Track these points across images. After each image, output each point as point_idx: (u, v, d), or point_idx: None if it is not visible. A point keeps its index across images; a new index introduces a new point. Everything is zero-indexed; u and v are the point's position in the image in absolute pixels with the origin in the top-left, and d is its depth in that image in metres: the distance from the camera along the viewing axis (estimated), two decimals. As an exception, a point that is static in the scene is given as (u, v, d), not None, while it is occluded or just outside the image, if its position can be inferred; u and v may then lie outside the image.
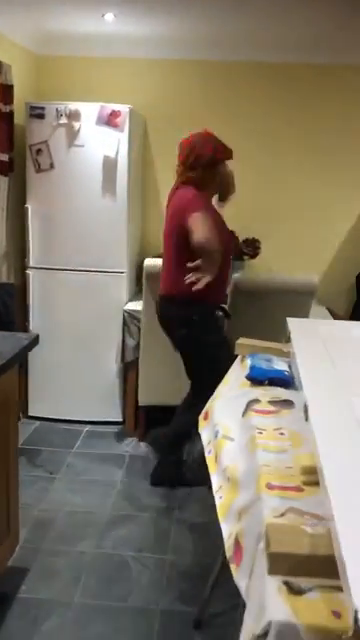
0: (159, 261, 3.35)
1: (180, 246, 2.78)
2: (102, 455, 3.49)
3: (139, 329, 3.52)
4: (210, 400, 2.11)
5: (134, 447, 3.61)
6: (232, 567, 1.34)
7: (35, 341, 2.38)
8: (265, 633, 0.94)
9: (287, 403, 1.78)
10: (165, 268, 2.96)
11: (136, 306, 3.60)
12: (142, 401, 3.61)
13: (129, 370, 3.70)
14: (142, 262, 3.37)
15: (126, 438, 3.69)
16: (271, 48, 3.76)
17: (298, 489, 1.30)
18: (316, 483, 1.30)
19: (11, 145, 3.56)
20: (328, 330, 2.34)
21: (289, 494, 1.28)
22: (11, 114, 3.53)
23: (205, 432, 1.98)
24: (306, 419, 1.52)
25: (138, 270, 3.82)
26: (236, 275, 3.28)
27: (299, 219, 4.10)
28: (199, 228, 2.62)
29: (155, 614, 2.29)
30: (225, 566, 2.23)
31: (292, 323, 2.36)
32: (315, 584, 1.00)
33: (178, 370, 3.09)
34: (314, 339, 2.16)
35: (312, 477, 1.32)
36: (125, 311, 3.64)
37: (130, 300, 3.74)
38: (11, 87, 3.50)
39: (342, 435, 1.36)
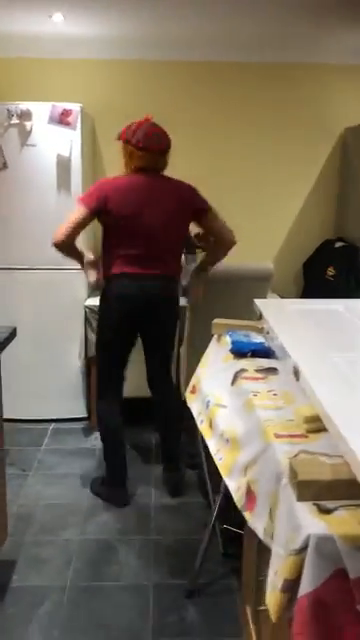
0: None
1: (185, 232, 3.01)
2: (72, 450, 3.52)
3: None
4: (194, 376, 2.22)
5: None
6: (246, 514, 1.45)
7: (13, 334, 2.42)
8: (303, 547, 1.06)
9: (272, 370, 1.91)
10: (168, 251, 2.94)
11: (96, 302, 3.64)
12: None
13: (92, 365, 3.75)
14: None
15: (93, 432, 3.73)
16: (213, 46, 3.92)
17: (303, 436, 1.43)
18: (318, 430, 1.44)
19: None
20: (294, 307, 2.49)
21: (297, 440, 1.41)
22: None
23: (195, 404, 2.09)
24: (297, 379, 1.65)
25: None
26: (193, 264, 3.40)
27: (249, 209, 4.28)
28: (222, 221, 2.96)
29: (148, 589, 2.37)
30: (210, 540, 2.35)
31: (260, 303, 2.50)
32: (340, 504, 1.12)
33: (138, 361, 3.14)
34: (284, 314, 2.32)
35: (314, 425, 1.45)
36: (86, 307, 3.70)
37: (90, 296, 3.80)
38: None
39: (335, 386, 1.50)
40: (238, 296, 3.03)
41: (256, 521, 1.40)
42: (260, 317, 2.41)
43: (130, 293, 2.83)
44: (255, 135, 4.23)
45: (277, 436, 1.43)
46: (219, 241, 2.99)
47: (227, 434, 1.72)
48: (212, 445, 1.81)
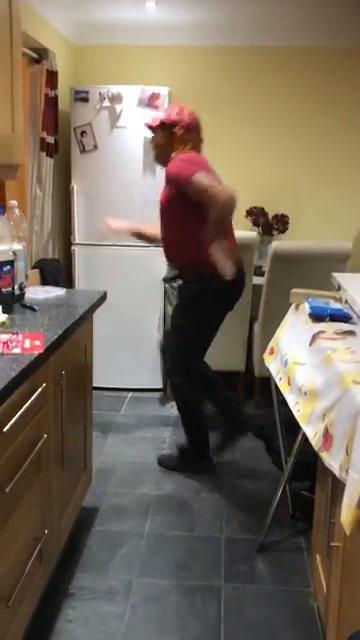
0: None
1: None
2: (148, 417, 3.72)
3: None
4: (273, 339, 2.34)
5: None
6: (323, 454, 1.57)
7: (103, 297, 2.62)
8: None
9: (350, 333, 2.00)
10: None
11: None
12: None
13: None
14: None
15: (169, 402, 3.91)
16: (301, 31, 4.00)
17: (380, 383, 1.53)
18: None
19: (56, 128, 3.79)
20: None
21: (374, 386, 1.51)
22: (56, 98, 3.76)
23: (273, 364, 2.21)
24: (374, 337, 1.75)
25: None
26: (273, 243, 3.50)
27: (323, 193, 4.34)
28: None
29: (220, 541, 2.52)
30: (280, 503, 2.46)
31: (339, 276, 2.60)
32: None
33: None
34: (362, 286, 2.40)
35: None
36: (167, 279, 3.86)
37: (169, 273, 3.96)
38: (56, 73, 3.73)
39: None
40: (315, 275, 3.12)
41: (333, 459, 1.51)
42: (339, 288, 2.50)
43: (240, 280, 2.85)
44: (336, 116, 4.27)
45: (356, 382, 1.53)
46: None
47: (305, 387, 1.83)
48: (291, 399, 1.93)
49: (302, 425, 1.77)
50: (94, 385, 4.02)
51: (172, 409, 3.83)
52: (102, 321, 3.93)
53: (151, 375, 4.06)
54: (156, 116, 2.88)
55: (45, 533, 1.92)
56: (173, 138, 2.79)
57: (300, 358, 2.00)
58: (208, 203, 2.56)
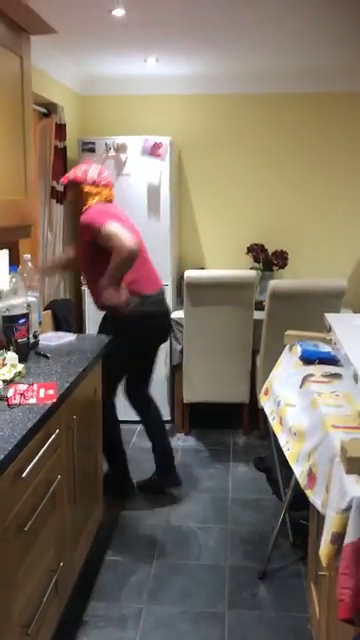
0: (199, 272, 3.85)
1: None
2: (157, 448, 3.89)
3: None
4: (267, 380, 2.53)
5: (184, 440, 4.02)
6: (308, 492, 1.75)
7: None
8: (348, 507, 1.35)
9: (336, 376, 2.18)
10: (151, 268, 3.23)
11: (180, 314, 4.02)
12: (187, 399, 4.03)
13: (176, 372, 4.12)
14: (181, 275, 3.81)
15: (176, 434, 4.09)
16: (293, 79, 4.24)
17: (357, 428, 1.71)
18: (370, 423, 1.71)
19: (65, 176, 4.04)
20: (361, 321, 2.75)
21: (352, 431, 1.69)
22: (64, 149, 4.01)
23: (267, 404, 2.40)
24: (356, 382, 1.93)
25: (178, 282, 4.26)
26: (272, 282, 3.70)
27: (320, 229, 4.55)
28: None
29: (224, 569, 2.68)
30: (280, 532, 2.62)
31: (330, 317, 2.78)
32: (381, 478, 1.40)
33: (217, 370, 3.46)
34: (351, 328, 2.58)
35: (367, 419, 1.72)
36: (171, 319, 4.07)
37: (174, 309, 4.17)
38: (64, 126, 3.99)
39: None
40: (312, 311, 3.31)
41: (316, 496, 1.69)
42: (329, 330, 2.69)
43: (146, 315, 3.13)
44: (331, 160, 4.49)
45: (334, 427, 1.71)
46: None
47: (294, 428, 2.01)
48: (282, 439, 2.11)
49: (291, 464, 1.95)
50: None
51: (179, 440, 4.02)
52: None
53: (160, 407, 4.22)
54: (67, 175, 3.14)
55: (60, 565, 2.10)
56: (81, 194, 3.05)
57: (291, 400, 2.18)
58: (114, 251, 2.83)
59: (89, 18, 3.00)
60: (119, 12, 2.87)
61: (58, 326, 3.69)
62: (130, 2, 2.75)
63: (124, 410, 4.16)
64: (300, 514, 2.83)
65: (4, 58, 2.20)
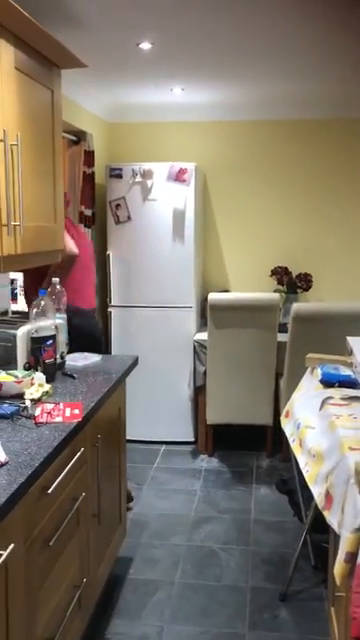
0: (222, 295, 3.91)
1: None
2: (180, 469, 3.93)
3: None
4: (289, 402, 2.56)
5: (207, 462, 4.05)
6: (325, 513, 1.78)
7: (135, 362, 2.89)
8: (362, 528, 1.38)
9: (356, 399, 2.21)
10: (93, 285, 3.45)
11: (204, 336, 4.09)
12: (210, 420, 4.07)
13: (199, 394, 4.17)
14: (205, 297, 3.89)
15: (199, 455, 4.13)
16: (313, 106, 4.32)
17: (374, 450, 1.74)
18: (387, 446, 1.74)
19: (93, 202, 4.16)
20: (382, 345, 2.77)
21: (368, 453, 1.72)
22: (93, 175, 4.14)
23: (288, 426, 2.43)
24: (374, 405, 1.96)
25: (203, 304, 4.33)
26: (294, 304, 3.74)
27: (344, 251, 4.59)
28: None
29: (245, 590, 2.69)
30: (302, 554, 2.64)
31: (352, 340, 2.81)
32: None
33: (240, 392, 3.50)
34: (372, 351, 2.61)
35: (384, 442, 1.75)
36: (195, 341, 4.14)
37: (198, 331, 4.24)
38: (93, 152, 4.12)
39: None
40: (335, 333, 3.33)
41: (333, 517, 1.71)
42: (351, 352, 2.72)
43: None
44: (355, 184, 4.54)
45: (351, 449, 1.74)
46: None
47: (313, 450, 2.04)
48: (302, 460, 2.14)
49: (310, 485, 1.98)
50: (129, 438, 4.30)
51: (202, 461, 4.05)
52: (137, 377, 4.22)
53: (184, 428, 4.29)
54: None
55: (84, 581, 2.15)
56: None
57: (311, 422, 2.22)
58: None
59: (117, 51, 3.12)
60: (146, 45, 2.99)
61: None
62: (156, 36, 2.87)
63: (144, 429, 4.24)
64: (322, 537, 2.85)
65: (36, 92, 2.32)
